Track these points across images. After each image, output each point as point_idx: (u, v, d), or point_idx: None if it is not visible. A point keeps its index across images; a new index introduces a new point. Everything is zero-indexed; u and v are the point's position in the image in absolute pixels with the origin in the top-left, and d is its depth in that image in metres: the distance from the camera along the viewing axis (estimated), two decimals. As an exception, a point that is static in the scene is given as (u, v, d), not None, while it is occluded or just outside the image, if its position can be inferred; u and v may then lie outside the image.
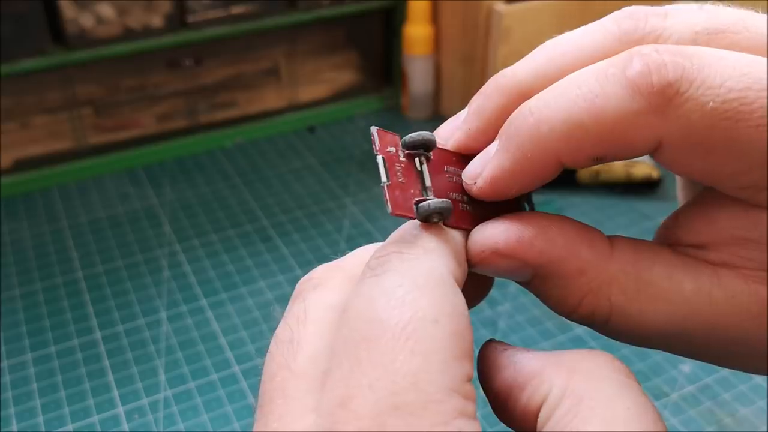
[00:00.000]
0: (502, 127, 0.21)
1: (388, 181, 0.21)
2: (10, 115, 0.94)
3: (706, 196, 0.20)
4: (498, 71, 0.25)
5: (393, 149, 0.21)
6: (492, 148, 0.21)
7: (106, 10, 0.90)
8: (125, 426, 0.63)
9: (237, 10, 0.97)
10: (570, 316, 0.21)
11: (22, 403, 0.66)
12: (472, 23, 0.97)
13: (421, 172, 0.22)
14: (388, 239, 0.20)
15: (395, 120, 1.10)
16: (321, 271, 0.22)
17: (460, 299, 0.18)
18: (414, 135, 0.22)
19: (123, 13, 0.91)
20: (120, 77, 0.98)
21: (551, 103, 0.19)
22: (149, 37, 0.93)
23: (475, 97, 0.23)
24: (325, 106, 1.10)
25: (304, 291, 0.21)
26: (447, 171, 0.23)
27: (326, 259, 0.22)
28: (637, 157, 0.20)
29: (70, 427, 0.63)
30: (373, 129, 0.21)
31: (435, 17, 1.04)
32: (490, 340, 0.21)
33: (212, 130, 1.04)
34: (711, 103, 0.17)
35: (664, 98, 0.18)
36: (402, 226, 0.21)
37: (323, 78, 1.11)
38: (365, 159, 1.00)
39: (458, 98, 1.05)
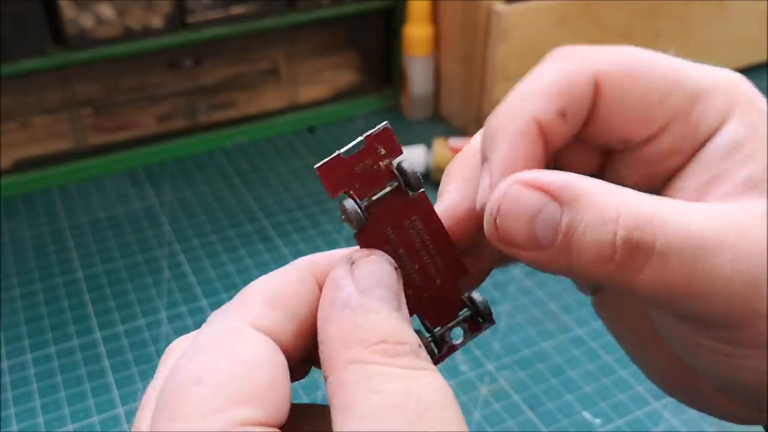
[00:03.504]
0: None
1: (344, 154, 0.21)
2: (10, 115, 0.94)
3: None
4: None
5: (383, 151, 0.21)
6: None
7: (106, 11, 0.90)
8: (125, 426, 0.63)
9: (237, 10, 0.97)
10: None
11: (22, 403, 0.66)
12: (472, 23, 0.97)
13: (381, 189, 0.21)
14: None
15: (395, 120, 1.10)
16: (176, 341, 0.23)
17: (248, 346, 0.19)
18: (409, 165, 0.21)
19: (123, 14, 0.91)
20: (120, 77, 0.98)
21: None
22: (149, 37, 0.93)
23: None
24: (325, 106, 1.10)
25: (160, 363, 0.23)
26: (412, 227, 0.22)
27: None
28: None
29: (71, 427, 0.63)
30: (387, 125, 0.21)
31: (435, 17, 1.04)
32: None
33: (212, 131, 1.04)
34: None
35: None
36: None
37: (323, 78, 1.11)
38: (365, 159, 1.00)
39: (458, 98, 1.05)
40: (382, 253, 0.21)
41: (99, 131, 0.99)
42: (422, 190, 0.22)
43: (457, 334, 0.23)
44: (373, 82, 1.14)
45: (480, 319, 0.23)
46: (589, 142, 0.22)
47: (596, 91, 0.21)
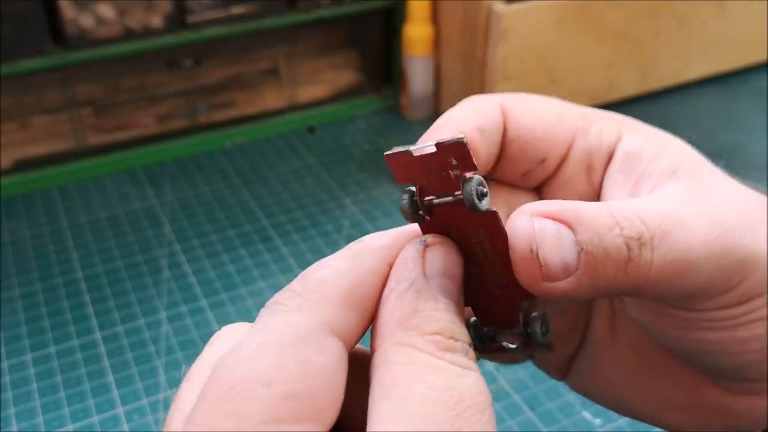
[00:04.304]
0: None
1: (415, 152, 0.20)
2: (10, 115, 0.94)
3: None
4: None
5: (455, 162, 0.20)
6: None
7: (106, 11, 0.90)
8: (125, 426, 0.63)
9: (237, 10, 0.97)
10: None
11: (22, 403, 0.66)
12: (471, 23, 0.97)
13: (446, 196, 0.20)
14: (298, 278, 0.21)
15: (395, 120, 1.10)
16: (231, 327, 0.22)
17: (324, 356, 0.18)
18: (470, 189, 0.20)
19: (123, 14, 0.91)
20: (120, 77, 0.98)
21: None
22: (149, 37, 0.93)
23: None
24: (325, 106, 1.10)
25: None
26: (476, 238, 0.21)
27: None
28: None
29: (70, 427, 0.63)
30: (463, 139, 0.20)
31: (435, 17, 1.04)
32: None
33: (212, 131, 1.04)
34: None
35: None
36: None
37: (323, 78, 1.11)
38: (365, 159, 1.00)
39: (458, 98, 1.04)
40: (452, 242, 0.21)
41: (99, 131, 0.99)
42: (493, 210, 0.20)
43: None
44: (373, 82, 1.14)
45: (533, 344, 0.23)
46: (514, 169, 0.25)
47: (504, 113, 0.24)
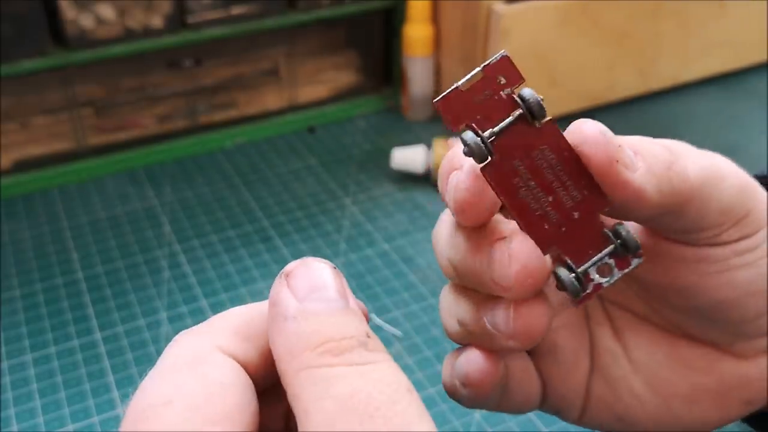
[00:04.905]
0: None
1: (462, 86, 0.20)
2: (10, 116, 0.94)
3: None
4: None
5: (503, 80, 0.21)
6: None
7: (106, 11, 0.90)
8: (125, 426, 0.63)
9: (237, 10, 0.97)
10: None
11: (22, 403, 0.66)
12: (472, 23, 0.97)
13: (503, 120, 0.21)
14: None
15: (395, 120, 1.10)
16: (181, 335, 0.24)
17: (218, 368, 0.20)
18: (531, 93, 0.21)
19: (123, 14, 0.91)
20: (120, 78, 0.98)
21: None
22: (149, 37, 0.93)
23: None
24: (325, 106, 1.10)
25: None
26: (542, 158, 0.21)
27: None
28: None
29: (71, 427, 0.63)
30: (505, 53, 0.21)
31: (435, 17, 1.04)
32: None
33: (212, 131, 1.04)
34: None
35: None
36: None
37: (323, 78, 1.11)
38: (365, 159, 1.00)
39: (458, 98, 1.05)
40: (314, 258, 0.21)
41: (99, 131, 0.99)
42: (549, 118, 0.21)
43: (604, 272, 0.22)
44: (373, 83, 1.14)
45: (627, 254, 0.22)
46: None
47: None
